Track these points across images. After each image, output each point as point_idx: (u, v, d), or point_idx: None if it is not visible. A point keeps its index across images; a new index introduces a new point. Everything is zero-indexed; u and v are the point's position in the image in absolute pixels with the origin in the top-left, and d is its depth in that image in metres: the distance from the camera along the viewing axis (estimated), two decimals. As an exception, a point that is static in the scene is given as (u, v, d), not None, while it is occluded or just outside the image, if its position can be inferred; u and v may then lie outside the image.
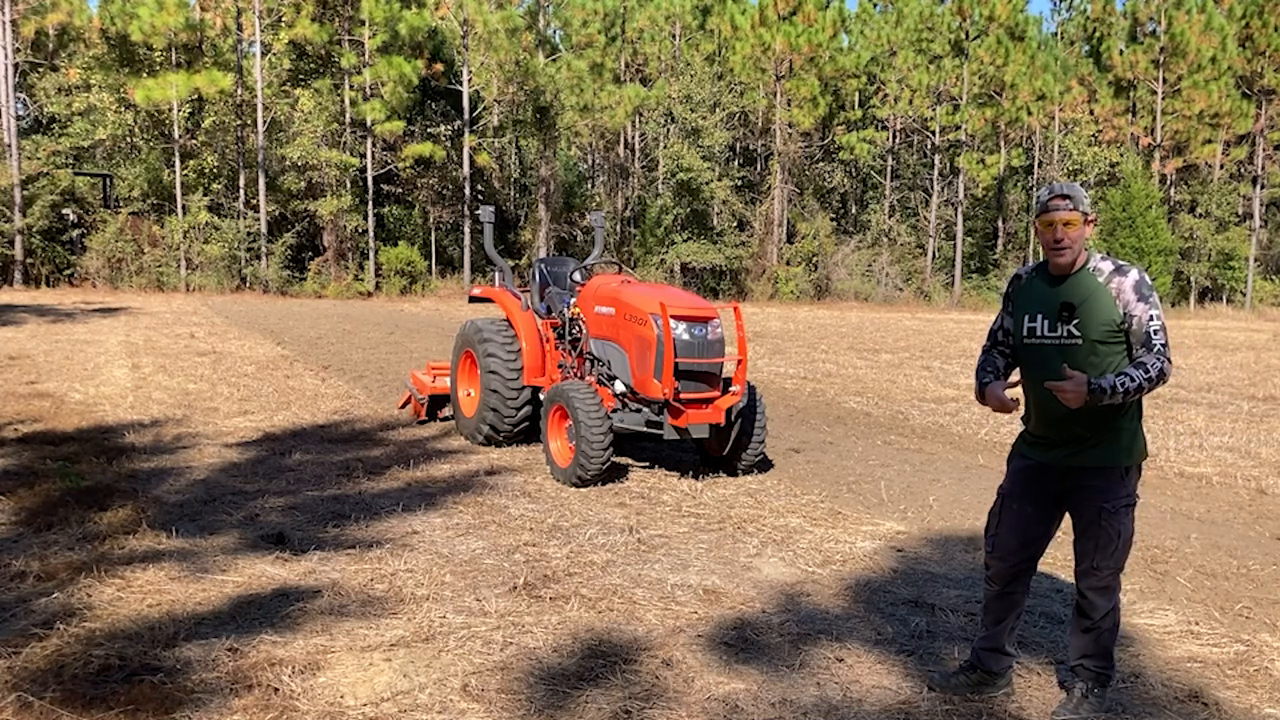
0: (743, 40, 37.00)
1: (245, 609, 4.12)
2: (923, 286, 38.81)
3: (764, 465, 7.28)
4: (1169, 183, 41.15)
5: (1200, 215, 41.66)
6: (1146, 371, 3.08)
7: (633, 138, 38.29)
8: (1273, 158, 41.61)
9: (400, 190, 35.83)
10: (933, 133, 39.24)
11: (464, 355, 8.02)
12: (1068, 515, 3.40)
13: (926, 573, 4.90)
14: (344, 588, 4.39)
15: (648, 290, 6.92)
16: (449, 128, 34.82)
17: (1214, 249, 41.29)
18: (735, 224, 38.89)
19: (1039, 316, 3.29)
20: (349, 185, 33.20)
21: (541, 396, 7.31)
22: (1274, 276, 43.93)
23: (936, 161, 39.72)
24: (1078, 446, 3.25)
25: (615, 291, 6.95)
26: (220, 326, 18.52)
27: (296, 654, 3.67)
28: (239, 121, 31.97)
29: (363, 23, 32.34)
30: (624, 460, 7.31)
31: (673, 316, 6.39)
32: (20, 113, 32.59)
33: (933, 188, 39.81)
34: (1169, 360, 3.14)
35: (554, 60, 35.91)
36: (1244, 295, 41.23)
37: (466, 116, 34.10)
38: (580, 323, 7.36)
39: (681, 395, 6.45)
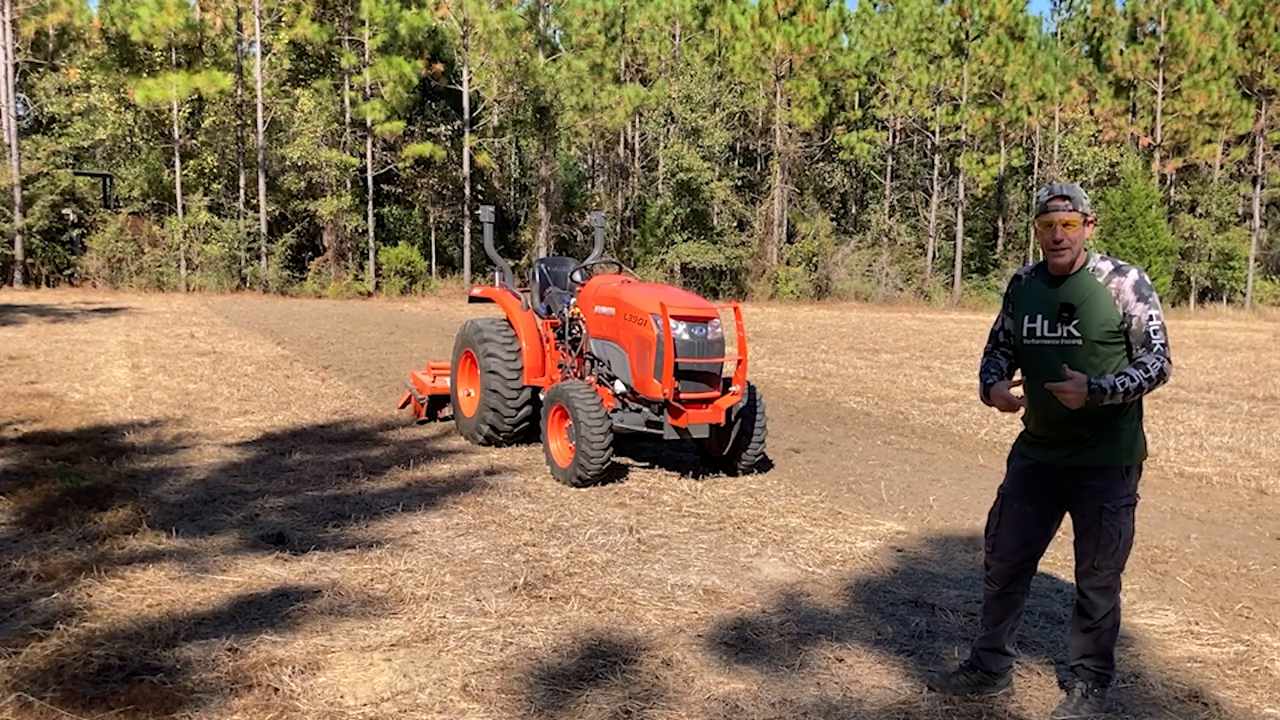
0: (743, 40, 37.00)
1: (245, 609, 4.12)
2: (923, 286, 38.82)
3: (764, 465, 7.28)
4: (1169, 183, 41.16)
5: (1200, 215, 41.66)
6: (1146, 371, 3.08)
7: (633, 138, 38.29)
8: (1273, 158, 41.62)
9: (400, 190, 35.84)
10: (933, 133, 39.24)
11: (464, 355, 8.02)
12: (1068, 515, 3.40)
13: (926, 573, 4.90)
14: (344, 588, 4.39)
15: (648, 290, 6.92)
16: (449, 128, 34.82)
17: (1214, 249, 41.30)
18: (735, 224, 38.89)
19: (1039, 317, 3.29)
20: (349, 185, 33.20)
21: (541, 396, 7.31)
22: (1274, 276, 43.93)
23: (936, 161, 39.73)
24: (1078, 446, 3.25)
25: (615, 291, 6.95)
26: (220, 326, 18.52)
27: (296, 654, 3.67)
28: (239, 121, 31.98)
29: (363, 23, 32.34)
30: (624, 460, 7.31)
31: (673, 316, 6.39)
32: (20, 113, 32.60)
33: (933, 188, 39.82)
34: (1169, 360, 3.14)
35: (554, 60, 35.91)
36: (1244, 295, 41.24)
37: (466, 116, 34.10)
38: (580, 323, 7.36)
39: (681, 395, 6.45)
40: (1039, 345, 3.29)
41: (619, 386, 6.89)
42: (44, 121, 33.71)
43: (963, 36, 37.96)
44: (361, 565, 4.72)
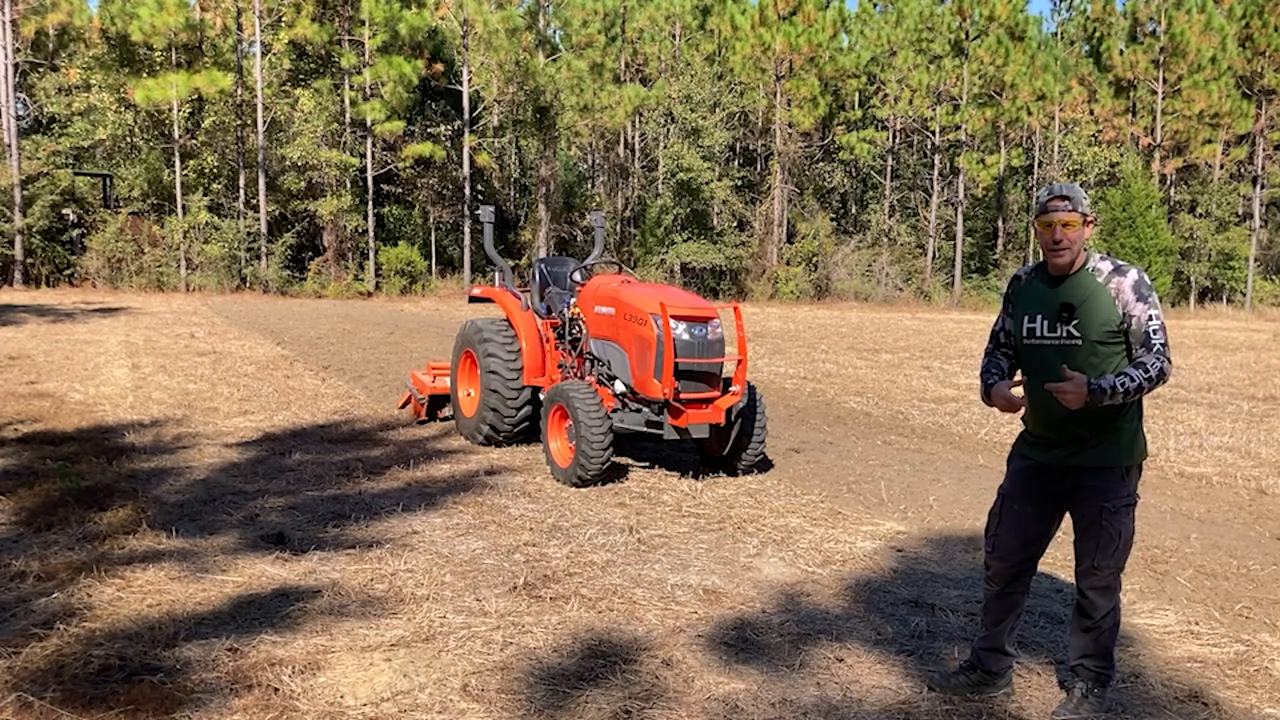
0: (743, 40, 37.00)
1: (245, 609, 4.12)
2: (923, 286, 38.82)
3: (764, 465, 7.28)
4: (1169, 183, 41.16)
5: (1200, 215, 41.66)
6: (1146, 371, 3.08)
7: (633, 138, 38.30)
8: (1273, 158, 41.62)
9: (400, 190, 35.84)
10: (933, 133, 39.24)
11: (464, 355, 8.02)
12: (1068, 515, 3.40)
13: (926, 573, 4.90)
14: (344, 588, 4.40)
15: (648, 290, 6.92)
16: (449, 128, 34.82)
17: (1214, 249, 41.29)
18: (735, 224, 38.90)
19: (1039, 317, 3.29)
20: (349, 185, 33.20)
21: (541, 396, 7.31)
22: (1274, 276, 43.93)
23: (936, 161, 39.73)
24: (1078, 446, 3.25)
25: (615, 291, 6.95)
26: (220, 326, 18.52)
27: (296, 654, 3.67)
28: (239, 121, 31.98)
29: (363, 23, 32.34)
30: (624, 460, 7.31)
31: (673, 316, 6.39)
32: (20, 113, 32.60)
33: (933, 188, 39.82)
34: (1169, 360, 3.14)
35: (554, 60, 35.91)
36: (1244, 295, 41.24)
37: (466, 116, 34.10)
38: (580, 323, 7.36)
39: (681, 395, 6.45)
40: (1039, 345, 3.29)
41: (619, 386, 6.89)
42: (44, 121, 33.71)
43: (963, 36, 37.97)
44: (361, 565, 4.72)
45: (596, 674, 3.59)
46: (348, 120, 32.83)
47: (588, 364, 7.29)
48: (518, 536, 5.29)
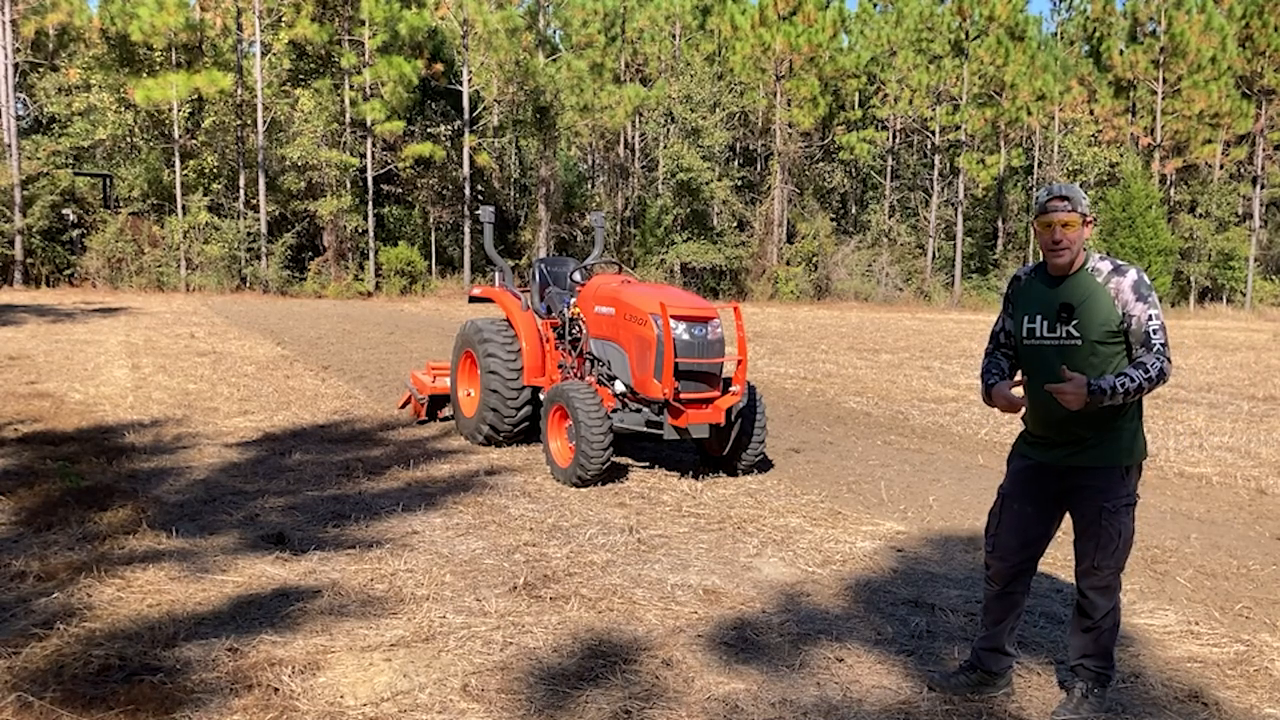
0: (743, 40, 37.00)
1: (245, 609, 4.12)
2: (923, 286, 38.82)
3: (764, 465, 7.28)
4: (1169, 183, 41.16)
5: (1200, 215, 41.66)
6: (1146, 371, 3.08)
7: (633, 138, 38.30)
8: (1273, 158, 41.61)
9: (400, 190, 35.83)
10: (933, 133, 39.24)
11: (464, 355, 8.02)
12: (1068, 515, 3.40)
13: (926, 573, 4.90)
14: (344, 588, 4.40)
15: (648, 290, 6.92)
16: (449, 128, 34.82)
17: (1214, 249, 41.29)
18: (735, 224, 38.90)
19: (1038, 317, 3.29)
20: (349, 185, 33.20)
21: (541, 396, 7.31)
22: (1274, 276, 43.93)
23: (936, 161, 39.73)
24: (1078, 446, 3.26)
25: (615, 291, 6.95)
26: (220, 326, 18.52)
27: (296, 654, 3.67)
28: (239, 121, 31.98)
29: (363, 23, 32.34)
30: (624, 460, 7.31)
31: (673, 316, 6.39)
32: (20, 113, 32.60)
33: (933, 188, 39.82)
34: (1169, 360, 3.14)
35: (554, 60, 35.91)
36: (1244, 295, 41.24)
37: (466, 116, 34.10)
38: (580, 323, 7.36)
39: (681, 395, 6.46)
40: (1039, 346, 3.29)
41: (619, 386, 6.89)
42: (44, 121, 33.71)
43: (963, 36, 37.96)
44: (361, 565, 4.72)
45: (596, 674, 3.59)
46: (348, 120, 32.83)
47: (588, 364, 7.29)
48: (518, 536, 5.29)
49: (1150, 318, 3.13)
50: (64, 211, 30.87)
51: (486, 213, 8.43)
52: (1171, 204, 40.93)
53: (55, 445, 7.26)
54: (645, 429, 6.56)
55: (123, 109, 32.15)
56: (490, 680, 3.51)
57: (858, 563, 5.03)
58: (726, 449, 6.84)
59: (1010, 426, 9.08)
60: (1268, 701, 3.54)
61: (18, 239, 29.34)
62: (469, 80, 34.18)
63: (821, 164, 42.31)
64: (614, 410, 6.70)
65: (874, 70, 39.98)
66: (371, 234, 33.52)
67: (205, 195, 31.73)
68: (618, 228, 37.11)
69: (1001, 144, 39.47)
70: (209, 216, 31.10)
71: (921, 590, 4.62)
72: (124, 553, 4.78)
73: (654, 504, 6.12)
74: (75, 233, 31.45)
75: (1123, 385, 3.06)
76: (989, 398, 3.40)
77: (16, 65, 31.09)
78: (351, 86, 32.80)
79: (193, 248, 30.97)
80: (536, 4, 36.89)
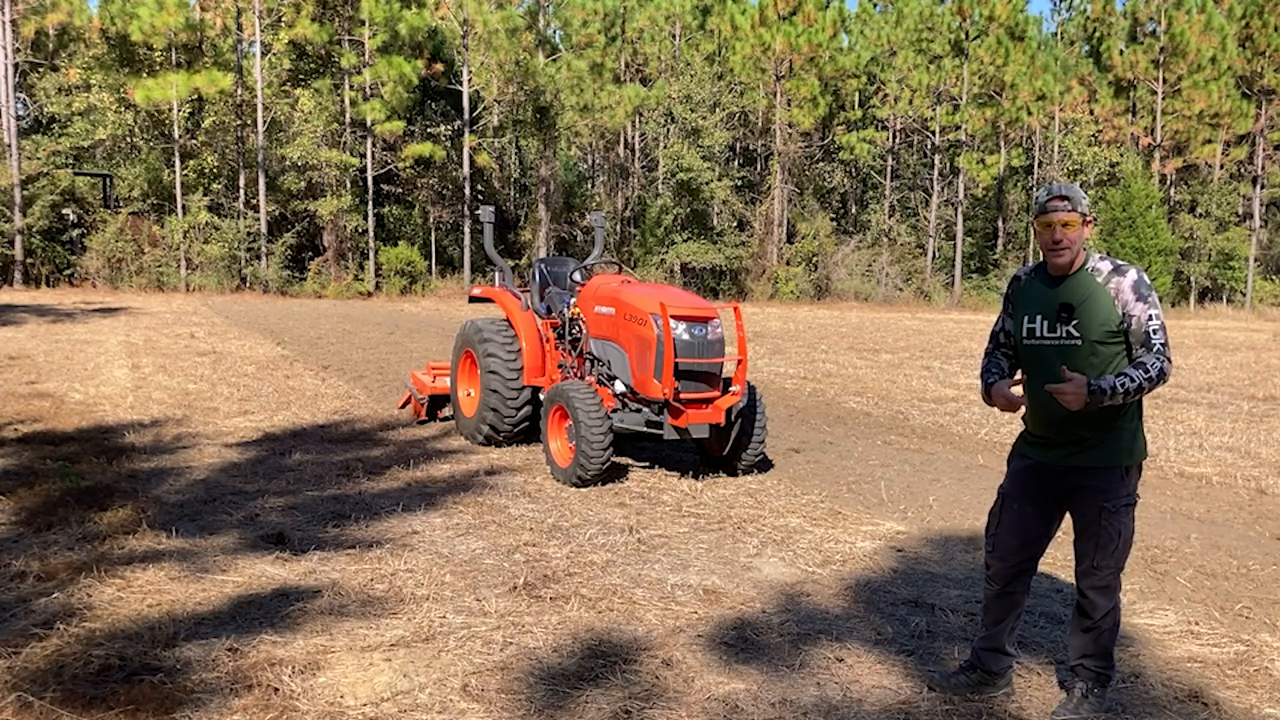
0: (743, 40, 37.00)
1: (245, 609, 4.12)
2: (923, 286, 38.82)
3: (764, 465, 7.28)
4: (1169, 183, 41.16)
5: (1200, 215, 41.66)
6: (1146, 371, 3.08)
7: (633, 138, 38.29)
8: (1273, 158, 41.62)
9: (400, 190, 35.83)
10: (933, 133, 39.24)
11: (464, 355, 8.02)
12: (1068, 515, 3.40)
13: (926, 573, 4.90)
14: (344, 588, 4.40)
15: (648, 290, 6.92)
16: (449, 128, 34.82)
17: (1214, 249, 41.29)
18: (735, 224, 38.90)
19: (1038, 317, 3.29)
20: (349, 185, 33.20)
21: (541, 396, 7.31)
22: (1274, 276, 43.93)
23: (936, 161, 39.73)
24: (1078, 446, 3.26)
25: (615, 291, 6.95)
26: (220, 326, 18.52)
27: (296, 654, 3.67)
28: (239, 121, 31.98)
29: (363, 23, 32.34)
30: (624, 460, 7.31)
31: (673, 316, 6.39)
32: (20, 113, 32.60)
33: (933, 188, 39.82)
34: (1169, 360, 3.14)
35: (554, 60, 35.91)
36: (1244, 295, 41.24)
37: (466, 116, 34.10)
38: (580, 323, 7.36)
39: (681, 395, 6.45)
40: (1039, 345, 3.29)
41: (619, 386, 6.89)
42: (44, 121, 33.71)
43: (963, 36, 37.96)
44: (361, 565, 4.72)
45: (596, 674, 3.59)
46: (348, 120, 32.83)
47: (588, 364, 7.29)
48: (518, 536, 5.29)
49: (1150, 318, 3.13)
50: (64, 211, 30.88)
51: (486, 213, 8.43)
52: (1171, 204, 40.93)
53: (55, 445, 7.26)
54: (645, 429, 6.56)
55: (123, 109, 32.15)
56: (490, 680, 3.51)
57: (858, 563, 5.03)
58: (726, 449, 6.84)
59: (1010, 426, 9.08)
60: (1268, 701, 3.54)
61: (18, 239, 29.34)
62: (469, 80, 34.18)
63: (821, 164, 42.31)
64: (614, 410, 6.70)
65: (874, 70, 39.98)
66: (371, 234, 33.52)
67: (205, 195, 31.74)
68: (618, 228, 37.11)
69: (1001, 144, 39.48)
70: (209, 216, 31.10)
71: (921, 590, 4.62)
72: (124, 553, 4.78)
73: (654, 504, 6.12)
74: (75, 233, 31.46)
75: (1123, 385, 3.06)
76: (988, 396, 3.41)
77: (16, 65, 31.10)
78: (351, 86, 32.80)
79: (193, 248, 30.97)
80: (536, 4, 36.90)
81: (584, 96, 34.34)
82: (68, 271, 31.10)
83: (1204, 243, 41.05)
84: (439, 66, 34.86)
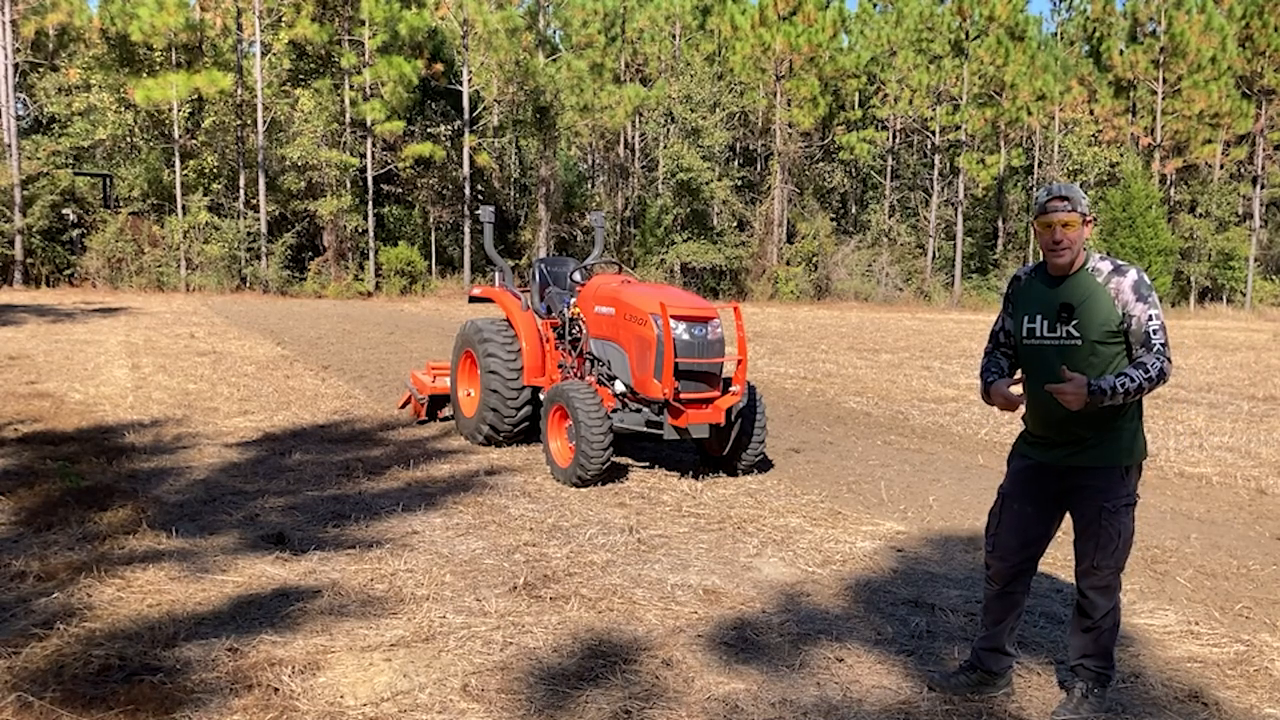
0: (743, 40, 37.00)
1: (245, 609, 4.12)
2: (923, 286, 38.82)
3: (764, 465, 7.28)
4: (1169, 183, 41.16)
5: (1200, 215, 41.67)
6: (1146, 371, 3.08)
7: (633, 138, 38.30)
8: (1273, 158, 41.62)
9: (400, 190, 35.84)
10: (933, 133, 39.24)
11: (464, 355, 8.02)
12: (1068, 515, 3.40)
13: (926, 573, 4.90)
14: (344, 588, 4.40)
15: (648, 290, 6.92)
16: (449, 128, 34.82)
17: (1214, 249, 41.29)
18: (735, 224, 38.90)
19: (1038, 317, 3.29)
20: (349, 185, 33.20)
21: (541, 396, 7.31)
22: (1274, 276, 43.93)
23: (936, 161, 39.73)
24: (1078, 446, 3.26)
25: (615, 291, 6.95)
26: (220, 326, 18.52)
27: (296, 654, 3.67)
28: (239, 121, 31.98)
29: (363, 23, 32.34)
30: (624, 460, 7.31)
31: (673, 316, 6.39)
32: (20, 113, 32.60)
33: (933, 188, 39.82)
34: (1169, 360, 3.14)
35: (554, 60, 35.91)
36: (1244, 295, 41.24)
37: (466, 116, 34.10)
38: (580, 323, 7.36)
39: (681, 395, 6.45)
40: (1039, 345, 3.29)
41: (619, 386, 6.89)
42: (44, 121, 33.71)
43: (963, 36, 37.96)
44: (361, 565, 4.72)
45: (596, 674, 3.59)
46: (348, 120, 32.83)
47: (588, 364, 7.29)
48: (518, 536, 5.29)
49: (1150, 318, 3.13)
50: (64, 211, 30.87)
51: (486, 213, 8.43)
52: (1171, 204, 40.93)
53: (55, 445, 7.26)
54: (645, 429, 6.56)
55: (123, 109, 32.15)
56: (490, 680, 3.51)
57: (858, 563, 5.03)
58: (726, 449, 6.84)
59: (1010, 426, 9.08)
60: (1268, 701, 3.54)
61: (18, 239, 29.34)
62: (469, 80, 34.18)
63: (821, 164, 42.31)
64: (614, 410, 6.70)
65: (874, 70, 39.98)
66: (371, 234, 33.52)
67: (205, 195, 31.73)
68: (618, 228, 37.11)
69: (1001, 144, 39.48)
70: (209, 216, 31.10)
71: (921, 590, 4.62)
72: (124, 553, 4.78)
73: (654, 504, 6.12)
74: (75, 233, 31.46)
75: (1123, 385, 3.06)
76: (987, 395, 3.41)
77: (16, 65, 31.09)
78: (351, 86, 32.80)
79: (193, 248, 30.97)
80: (536, 4, 36.90)
81: (584, 96, 34.34)
82: (68, 271, 31.10)
83: (1204, 243, 41.05)
84: (439, 66, 34.86)
